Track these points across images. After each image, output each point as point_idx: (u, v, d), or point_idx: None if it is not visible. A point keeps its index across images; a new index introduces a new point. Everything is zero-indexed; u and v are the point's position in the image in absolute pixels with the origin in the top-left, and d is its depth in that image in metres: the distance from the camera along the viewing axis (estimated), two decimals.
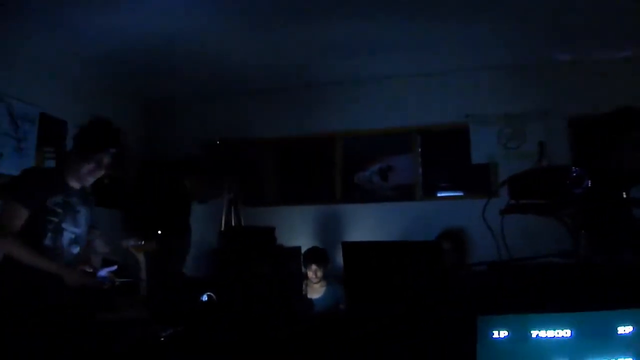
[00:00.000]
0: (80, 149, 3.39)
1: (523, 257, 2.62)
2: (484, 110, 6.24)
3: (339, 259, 5.60)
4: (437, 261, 2.91)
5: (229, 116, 7.05)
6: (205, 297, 3.81)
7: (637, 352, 2.03)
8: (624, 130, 3.31)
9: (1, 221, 3.24)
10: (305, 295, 5.19)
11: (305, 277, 5.55)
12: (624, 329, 2.04)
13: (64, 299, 3.24)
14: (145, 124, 7.32)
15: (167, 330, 3.46)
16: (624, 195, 2.81)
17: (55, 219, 3.29)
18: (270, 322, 3.54)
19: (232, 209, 5.90)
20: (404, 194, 6.55)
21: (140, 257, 4.75)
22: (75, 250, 3.44)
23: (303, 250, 4.86)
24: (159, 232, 4.78)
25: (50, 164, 5.66)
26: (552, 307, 2.03)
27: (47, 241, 3.27)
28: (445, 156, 6.59)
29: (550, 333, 2.02)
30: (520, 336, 2.03)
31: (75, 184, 3.43)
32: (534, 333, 2.03)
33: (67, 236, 3.36)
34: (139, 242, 4.69)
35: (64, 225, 3.33)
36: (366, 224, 6.41)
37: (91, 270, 3.45)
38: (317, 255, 5.68)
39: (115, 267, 3.87)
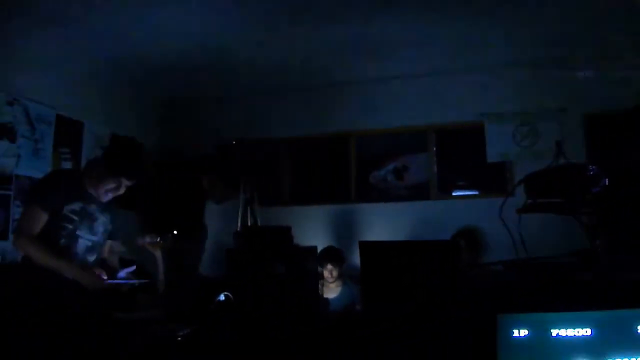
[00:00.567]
0: (104, 167, 3.42)
1: (541, 256, 2.61)
2: (499, 109, 6.22)
3: (354, 259, 5.64)
4: (454, 260, 2.90)
5: (245, 116, 7.07)
6: (222, 297, 3.82)
7: None
8: None
9: (21, 223, 3.33)
10: (322, 294, 5.19)
11: (321, 276, 5.54)
12: None
13: (81, 300, 3.27)
14: (161, 125, 7.37)
15: (184, 329, 3.47)
16: None
17: (70, 226, 3.31)
18: (287, 321, 3.55)
19: (248, 208, 5.90)
20: (418, 193, 6.55)
21: (157, 254, 4.78)
22: (92, 258, 3.45)
23: (319, 250, 4.86)
24: (175, 232, 4.80)
25: (67, 165, 5.70)
26: (572, 305, 2.03)
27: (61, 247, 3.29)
28: (460, 155, 6.57)
29: (571, 332, 2.02)
30: (540, 335, 2.03)
31: (94, 192, 3.45)
32: (554, 332, 2.03)
33: (82, 244, 3.37)
34: (155, 239, 4.71)
35: (78, 232, 3.35)
36: (381, 223, 6.41)
37: (106, 277, 3.45)
38: (333, 255, 5.68)
39: (134, 267, 3.88)
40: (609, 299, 2.02)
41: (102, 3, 4.61)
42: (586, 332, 2.02)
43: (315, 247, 4.38)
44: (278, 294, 3.73)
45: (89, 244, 3.41)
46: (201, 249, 5.39)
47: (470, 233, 5.87)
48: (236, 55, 5.81)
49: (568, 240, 3.31)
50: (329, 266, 5.62)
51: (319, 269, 5.37)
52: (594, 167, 2.57)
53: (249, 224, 5.90)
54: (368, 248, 3.26)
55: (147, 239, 4.72)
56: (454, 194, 6.46)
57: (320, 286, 5.28)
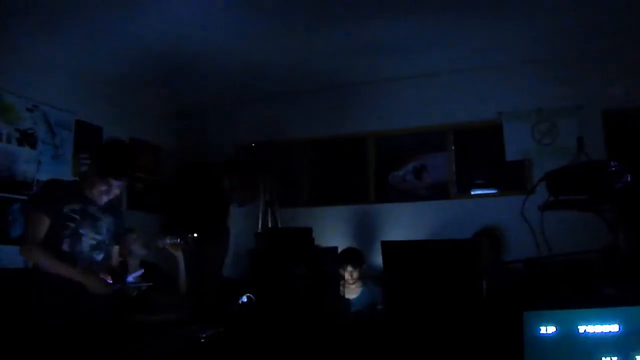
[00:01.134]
0: (95, 169, 3.47)
1: (564, 253, 2.61)
2: (517, 107, 6.18)
3: (374, 259, 5.64)
4: (478, 259, 2.90)
5: (264, 119, 7.09)
6: (244, 299, 3.84)
7: None
8: None
9: (27, 232, 3.43)
10: (343, 295, 5.19)
11: (342, 277, 5.54)
12: None
13: (92, 305, 3.32)
14: (181, 129, 7.42)
15: (207, 331, 3.49)
16: None
17: (72, 224, 3.36)
18: (308, 322, 3.56)
19: (269, 210, 5.92)
20: (438, 192, 6.53)
21: (178, 255, 4.81)
22: (99, 256, 3.49)
23: (339, 250, 4.86)
24: (195, 234, 4.82)
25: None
26: (598, 302, 2.02)
27: (65, 246, 3.34)
28: (479, 154, 6.54)
29: (598, 328, 2.01)
30: (567, 331, 2.02)
31: (90, 195, 3.48)
32: (582, 328, 2.02)
33: (86, 242, 3.42)
34: (176, 240, 4.74)
35: (81, 230, 3.39)
36: (401, 223, 6.40)
37: (112, 282, 3.49)
38: (352, 256, 5.66)
39: (142, 271, 3.97)
40: (636, 295, 2.02)
41: (122, 8, 4.65)
42: (614, 328, 2.01)
43: (335, 248, 4.39)
44: (299, 294, 3.74)
45: (93, 242, 3.45)
46: (224, 250, 5.40)
47: (492, 231, 5.85)
48: (255, 59, 5.85)
49: (590, 236, 3.30)
50: (349, 267, 5.60)
51: (340, 270, 5.37)
52: (615, 163, 2.56)
53: (270, 225, 5.92)
54: (391, 248, 3.25)
55: (168, 241, 4.75)
56: (473, 192, 6.44)
57: (341, 287, 5.29)
